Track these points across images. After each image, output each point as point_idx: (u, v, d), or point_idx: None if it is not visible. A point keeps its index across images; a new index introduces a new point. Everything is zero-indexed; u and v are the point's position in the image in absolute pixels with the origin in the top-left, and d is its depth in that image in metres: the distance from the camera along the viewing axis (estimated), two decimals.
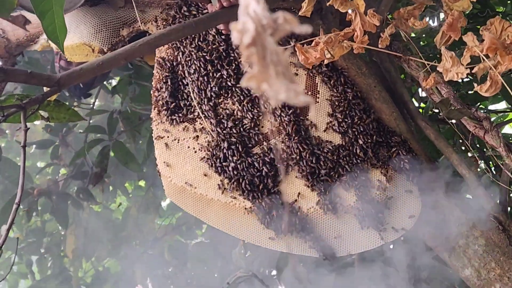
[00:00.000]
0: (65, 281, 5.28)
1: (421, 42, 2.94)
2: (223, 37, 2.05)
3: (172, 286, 5.91)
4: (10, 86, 3.62)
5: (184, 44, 2.11)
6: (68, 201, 3.96)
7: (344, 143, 1.94)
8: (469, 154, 2.61)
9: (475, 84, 1.44)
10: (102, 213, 5.36)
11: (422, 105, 3.02)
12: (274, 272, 3.65)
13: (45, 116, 1.84)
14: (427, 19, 2.85)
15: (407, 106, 2.09)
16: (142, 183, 5.57)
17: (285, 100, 0.53)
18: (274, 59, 0.53)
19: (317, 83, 2.00)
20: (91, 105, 3.97)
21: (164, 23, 2.17)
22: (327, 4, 1.71)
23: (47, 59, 3.51)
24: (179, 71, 2.11)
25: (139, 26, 2.23)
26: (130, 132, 3.56)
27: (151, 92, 2.18)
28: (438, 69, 1.55)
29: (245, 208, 1.97)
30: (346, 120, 1.94)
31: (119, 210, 5.80)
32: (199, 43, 2.07)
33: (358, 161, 1.92)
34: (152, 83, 2.19)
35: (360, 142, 1.91)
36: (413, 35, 2.94)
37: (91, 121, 4.07)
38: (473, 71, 1.42)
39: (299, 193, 1.94)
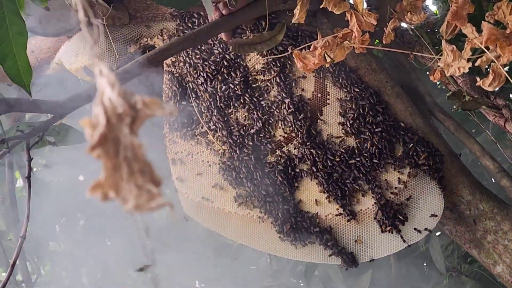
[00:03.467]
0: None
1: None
2: (227, 46, 2.00)
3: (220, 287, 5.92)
4: None
5: (190, 56, 2.07)
6: (101, 210, 4.01)
7: (358, 144, 1.87)
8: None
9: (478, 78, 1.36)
10: (144, 220, 5.38)
11: None
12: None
13: (51, 141, 1.84)
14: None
15: (423, 99, 2.00)
16: None
17: (136, 208, 0.47)
18: (128, 155, 0.47)
19: (326, 84, 1.93)
20: None
21: (169, 36, 2.15)
22: (320, 7, 1.64)
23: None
24: (188, 84, 2.08)
25: (146, 41, 2.21)
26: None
27: None
28: (439, 64, 1.47)
29: (259, 217, 1.93)
30: (358, 120, 1.87)
31: (162, 214, 5.83)
32: (203, 54, 2.03)
33: (374, 161, 1.84)
34: (162, 98, 2.16)
35: (375, 141, 1.84)
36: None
37: None
38: (475, 64, 1.33)
39: (316, 200, 1.89)
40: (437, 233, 2.90)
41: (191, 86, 2.07)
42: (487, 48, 1.30)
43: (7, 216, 3.96)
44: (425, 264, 3.26)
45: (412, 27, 1.94)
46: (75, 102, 1.72)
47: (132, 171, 0.46)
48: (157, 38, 2.17)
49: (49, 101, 1.62)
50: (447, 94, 1.88)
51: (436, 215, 1.79)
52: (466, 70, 1.34)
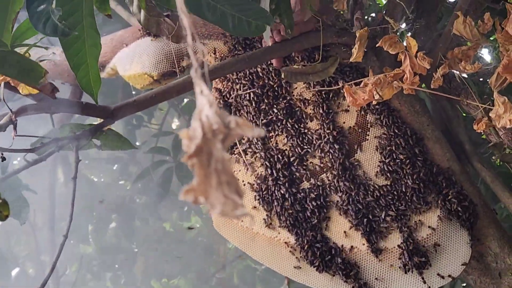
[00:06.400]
0: None
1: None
2: (276, 71, 2.06)
3: None
4: None
5: (238, 77, 2.13)
6: (134, 216, 4.13)
7: (392, 183, 1.89)
8: None
9: None
10: (174, 233, 5.47)
11: None
12: None
13: (98, 145, 1.92)
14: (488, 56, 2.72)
15: (462, 146, 2.01)
16: None
17: (222, 214, 0.53)
18: (218, 167, 0.53)
19: (367, 120, 1.96)
20: (159, 126, 4.13)
21: (222, 55, 2.21)
22: (376, 46, 1.69)
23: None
24: (233, 104, 2.14)
25: (199, 57, 2.29)
26: None
27: None
28: (490, 114, 1.50)
29: (286, 243, 1.95)
30: (395, 159, 1.89)
31: (192, 231, 5.90)
32: (252, 76, 2.09)
33: (406, 202, 1.86)
34: None
35: (409, 183, 1.86)
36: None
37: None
38: None
39: (344, 232, 1.91)
40: (463, 284, 2.87)
41: (235, 105, 2.12)
42: None
43: (44, 212, 4.08)
44: None
45: (463, 75, 1.97)
46: (125, 110, 1.81)
47: (220, 182, 0.53)
48: (210, 55, 2.25)
49: (101, 106, 1.71)
50: (488, 145, 1.89)
51: (463, 264, 1.80)
52: None
